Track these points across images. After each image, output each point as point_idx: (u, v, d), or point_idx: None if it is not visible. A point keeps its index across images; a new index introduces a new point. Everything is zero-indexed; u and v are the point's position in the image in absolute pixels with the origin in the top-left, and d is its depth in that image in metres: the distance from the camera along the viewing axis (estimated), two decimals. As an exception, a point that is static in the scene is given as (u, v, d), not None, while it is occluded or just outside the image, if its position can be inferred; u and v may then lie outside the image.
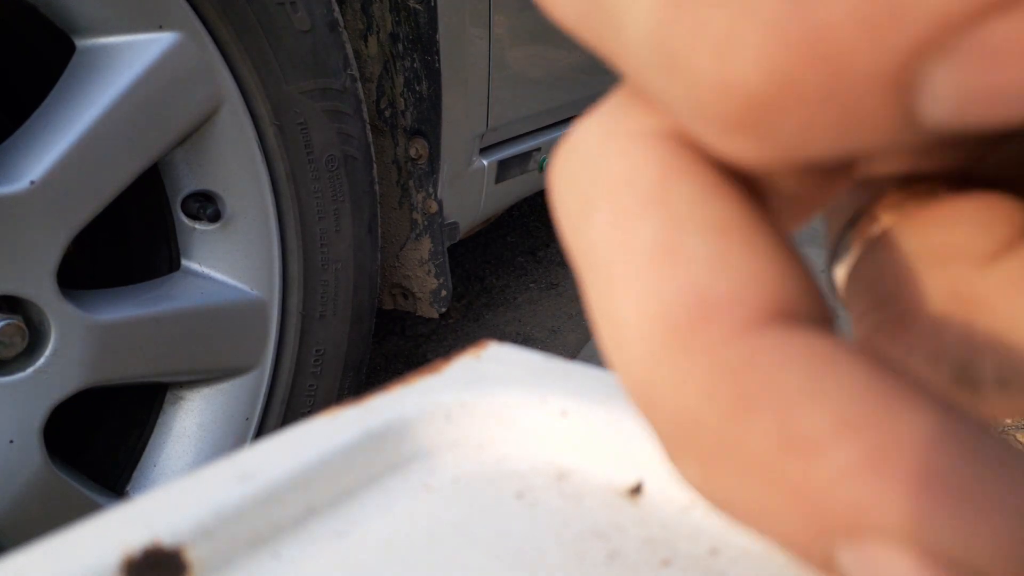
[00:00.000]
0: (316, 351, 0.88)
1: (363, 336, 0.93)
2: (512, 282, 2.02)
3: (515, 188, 1.26)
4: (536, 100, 1.25)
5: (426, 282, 1.10)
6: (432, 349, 1.70)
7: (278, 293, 0.83)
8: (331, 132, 0.82)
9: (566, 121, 1.36)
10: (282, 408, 0.87)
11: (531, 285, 2.00)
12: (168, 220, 0.78)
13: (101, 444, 0.82)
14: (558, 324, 1.80)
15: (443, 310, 1.11)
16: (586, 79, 1.37)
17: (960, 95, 0.08)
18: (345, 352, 0.91)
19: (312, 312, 0.86)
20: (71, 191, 0.65)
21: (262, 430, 0.86)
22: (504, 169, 1.20)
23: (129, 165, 0.68)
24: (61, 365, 0.67)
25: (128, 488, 0.81)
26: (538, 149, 1.27)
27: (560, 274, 2.05)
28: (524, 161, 1.24)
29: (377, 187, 0.90)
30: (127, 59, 0.67)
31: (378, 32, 0.96)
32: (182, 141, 0.72)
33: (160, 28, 0.68)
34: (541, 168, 1.27)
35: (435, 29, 0.94)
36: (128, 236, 0.81)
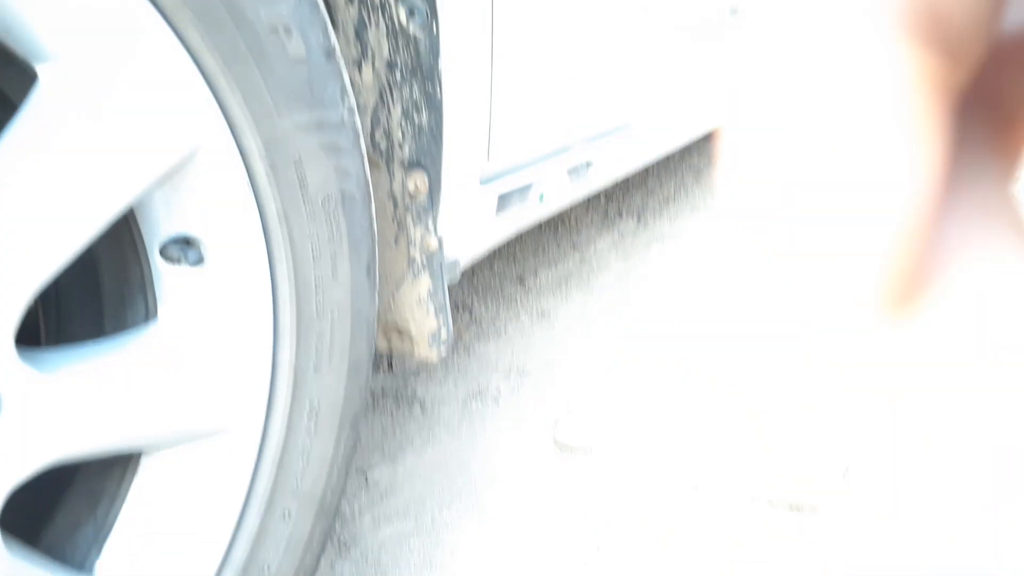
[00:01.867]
0: (310, 407, 0.80)
1: (360, 388, 0.86)
2: (501, 312, 1.95)
3: (516, 222, 1.19)
4: (540, 130, 1.18)
5: (425, 323, 1.03)
6: (422, 385, 1.63)
7: (269, 345, 0.75)
8: (328, 169, 0.74)
9: (569, 150, 1.30)
10: (273, 470, 0.79)
11: (521, 315, 1.93)
12: (144, 265, 0.70)
13: (64, 519, 0.74)
14: (552, 356, 1.73)
15: (443, 353, 1.04)
16: (591, 109, 1.31)
17: None
18: (341, 407, 0.83)
19: (306, 365, 0.79)
20: (31, 245, 0.57)
21: (250, 496, 0.78)
22: (505, 202, 1.13)
23: (101, 210, 0.60)
24: (19, 442, 0.59)
25: (97, 566, 0.72)
26: (539, 181, 1.20)
27: (550, 303, 1.99)
28: (525, 193, 1.17)
29: (375, 227, 0.83)
30: (99, 88, 0.59)
31: (373, 60, 0.89)
32: (161, 181, 0.65)
33: (136, 55, 0.60)
34: (542, 199, 1.21)
35: (437, 57, 0.87)
36: (99, 284, 0.73)
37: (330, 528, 0.88)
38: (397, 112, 0.90)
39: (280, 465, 0.79)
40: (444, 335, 1.03)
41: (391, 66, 0.88)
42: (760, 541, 1.19)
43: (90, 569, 0.72)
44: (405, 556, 1.17)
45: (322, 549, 0.88)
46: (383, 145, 0.93)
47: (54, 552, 0.73)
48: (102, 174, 0.59)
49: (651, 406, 1.49)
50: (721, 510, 1.26)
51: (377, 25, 0.87)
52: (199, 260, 0.69)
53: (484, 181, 1.09)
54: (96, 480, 0.74)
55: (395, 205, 0.96)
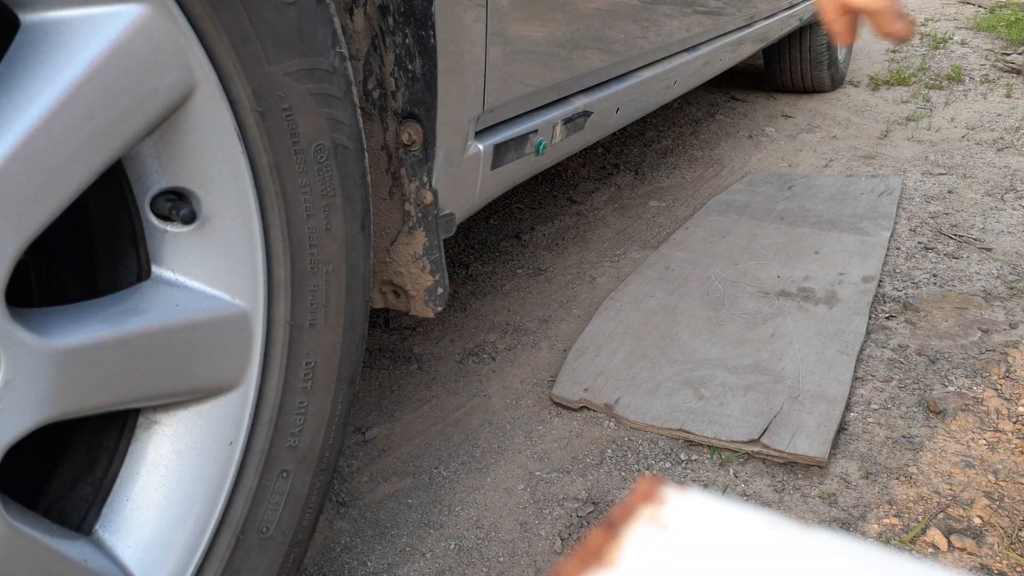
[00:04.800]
0: (306, 364, 0.79)
1: (356, 344, 0.84)
2: (498, 268, 1.93)
3: (512, 174, 1.16)
4: (536, 77, 1.15)
5: (420, 279, 1.01)
6: (419, 343, 1.61)
7: (263, 301, 0.73)
8: (319, 118, 0.72)
9: (566, 99, 1.27)
10: (269, 429, 0.77)
11: (518, 271, 1.92)
12: (135, 222, 0.68)
13: (62, 479, 0.73)
14: (549, 313, 1.71)
15: (440, 308, 1.02)
16: (587, 55, 1.28)
17: None
18: (338, 363, 0.82)
19: (301, 321, 0.77)
20: (20, 195, 0.55)
21: (248, 455, 0.77)
22: (500, 154, 1.10)
23: (89, 161, 0.58)
24: (13, 400, 0.58)
25: (97, 527, 0.71)
26: (535, 131, 1.17)
27: (547, 259, 1.97)
28: (521, 144, 1.15)
29: (369, 179, 0.81)
30: (83, 36, 0.56)
31: (365, 4, 0.86)
32: (150, 132, 0.62)
33: (122, 0, 0.57)
34: (539, 151, 1.18)
35: (431, 0, 0.84)
36: (89, 242, 0.71)
37: (328, 486, 0.87)
38: (390, 59, 0.87)
39: (277, 423, 0.78)
40: (440, 291, 1.02)
41: (383, 10, 0.85)
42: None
43: (88, 529, 0.71)
44: (403, 513, 1.17)
45: (320, 507, 0.87)
46: (376, 94, 0.90)
47: (52, 513, 0.72)
48: (86, 123, 0.57)
49: (647, 363, 1.48)
50: (717, 474, 1.26)
51: (368, -31, 0.84)
52: (191, 216, 0.67)
53: (480, 132, 1.06)
54: (94, 439, 0.73)
55: (389, 157, 0.94)
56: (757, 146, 2.84)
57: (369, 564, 1.09)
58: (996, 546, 1.07)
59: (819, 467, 1.22)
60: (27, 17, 0.56)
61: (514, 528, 1.14)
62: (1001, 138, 2.81)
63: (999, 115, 3.10)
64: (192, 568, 0.75)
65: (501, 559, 1.09)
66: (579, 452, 1.28)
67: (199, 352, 0.70)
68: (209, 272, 0.70)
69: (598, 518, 1.16)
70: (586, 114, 1.33)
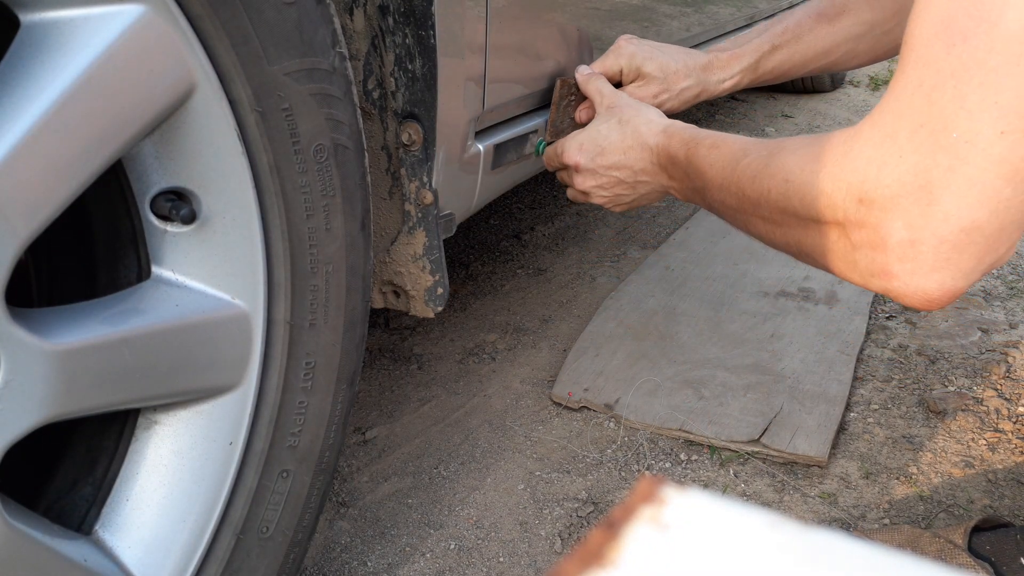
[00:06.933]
0: (306, 364, 0.79)
1: (356, 344, 0.84)
2: (498, 268, 1.93)
3: (512, 174, 1.16)
4: (535, 77, 1.15)
5: (420, 279, 1.01)
6: (419, 343, 1.61)
7: (263, 301, 0.73)
8: (319, 118, 0.72)
9: (565, 100, 1.27)
10: (269, 429, 0.77)
11: (518, 271, 1.91)
12: (136, 222, 0.68)
13: (62, 479, 0.73)
14: (549, 313, 1.71)
15: (440, 308, 1.02)
16: (587, 54, 1.28)
17: None
18: (338, 363, 0.82)
19: (301, 321, 0.77)
20: (20, 195, 0.55)
21: (248, 455, 0.77)
22: (500, 154, 1.10)
23: (89, 161, 0.58)
24: (13, 400, 0.58)
25: (97, 527, 0.71)
26: (535, 131, 1.17)
27: (547, 259, 1.97)
28: (520, 145, 1.15)
29: (369, 179, 0.81)
30: (83, 36, 0.56)
31: (365, 4, 0.86)
32: (150, 132, 0.62)
33: (122, 0, 0.57)
34: (539, 152, 1.18)
35: (431, 1, 0.84)
36: (89, 242, 0.71)
37: (328, 486, 0.87)
38: (390, 59, 0.87)
39: (277, 423, 0.78)
40: (440, 291, 1.02)
41: (383, 10, 0.85)
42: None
43: (88, 529, 0.71)
44: (403, 513, 1.17)
45: (321, 507, 0.87)
46: (376, 94, 0.90)
47: (52, 513, 0.72)
48: (86, 123, 0.57)
49: (647, 363, 1.48)
50: (717, 474, 1.26)
51: (368, -31, 0.84)
52: (191, 216, 0.67)
53: (480, 132, 1.06)
54: (94, 439, 0.73)
55: (389, 157, 0.94)
56: (757, 146, 2.84)
57: (369, 564, 1.09)
58: (996, 546, 1.07)
59: (819, 467, 1.22)
60: (27, 17, 0.56)
61: (514, 528, 1.14)
62: (1001, 138, 2.81)
63: (999, 115, 3.10)
64: (192, 568, 0.75)
65: (501, 559, 1.09)
66: (579, 452, 1.28)
67: (199, 352, 0.70)
68: (209, 272, 0.70)
69: (598, 518, 1.16)
70: (586, 114, 1.33)
